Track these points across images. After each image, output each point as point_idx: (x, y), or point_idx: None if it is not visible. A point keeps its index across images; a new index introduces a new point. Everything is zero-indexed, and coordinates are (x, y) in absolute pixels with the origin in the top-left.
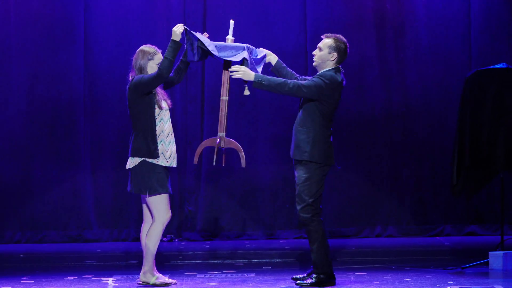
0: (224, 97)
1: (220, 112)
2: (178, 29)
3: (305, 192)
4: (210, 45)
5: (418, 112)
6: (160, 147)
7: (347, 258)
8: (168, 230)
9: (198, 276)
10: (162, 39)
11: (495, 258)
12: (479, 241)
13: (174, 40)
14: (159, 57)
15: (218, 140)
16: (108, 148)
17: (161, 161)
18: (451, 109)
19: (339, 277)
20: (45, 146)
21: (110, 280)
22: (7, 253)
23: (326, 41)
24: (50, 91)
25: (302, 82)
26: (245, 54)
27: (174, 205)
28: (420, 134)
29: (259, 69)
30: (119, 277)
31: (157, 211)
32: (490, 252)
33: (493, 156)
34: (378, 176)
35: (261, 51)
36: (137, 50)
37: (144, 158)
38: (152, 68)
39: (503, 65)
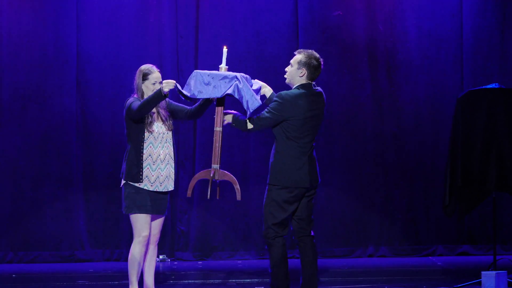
0: (218, 128)
1: (214, 144)
2: (168, 86)
3: (266, 215)
4: (191, 91)
5: (410, 132)
6: (145, 171)
7: (339, 278)
8: (161, 250)
9: None
10: (154, 60)
11: (488, 278)
12: (472, 261)
13: (160, 91)
14: (154, 76)
15: (212, 172)
16: (100, 169)
17: (144, 185)
18: (443, 129)
19: None
20: (37, 167)
21: None
22: None
23: (297, 57)
24: (42, 112)
25: (261, 114)
26: (231, 90)
27: (166, 225)
28: (412, 154)
29: (257, 97)
30: None
31: (134, 230)
32: (482, 272)
33: (485, 176)
34: (370, 196)
35: (257, 83)
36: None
37: (127, 181)
38: (147, 88)
39: (495, 85)
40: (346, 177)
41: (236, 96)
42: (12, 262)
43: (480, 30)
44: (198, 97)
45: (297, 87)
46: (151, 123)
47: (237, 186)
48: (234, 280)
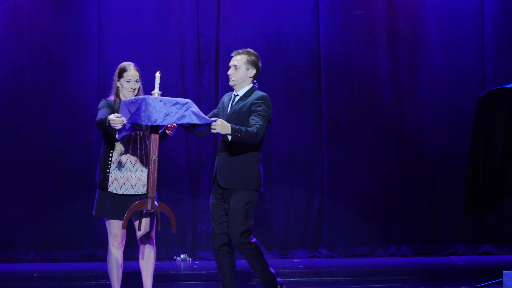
0: (154, 157)
1: (149, 173)
2: (114, 123)
3: (248, 219)
4: (144, 120)
5: (431, 131)
6: (113, 174)
7: (360, 278)
8: (182, 250)
9: None
10: (175, 60)
11: (509, 278)
12: (493, 261)
13: (106, 119)
14: (130, 74)
15: (149, 203)
16: None
17: (112, 189)
18: (464, 128)
19: None
20: (58, 166)
21: None
22: (20, 272)
23: (241, 57)
24: (63, 111)
25: (258, 123)
26: (189, 118)
27: (187, 224)
28: (433, 154)
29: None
30: None
31: (108, 235)
32: (504, 272)
33: (506, 176)
34: (391, 195)
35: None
36: None
37: (98, 186)
38: (122, 86)
39: None
40: (367, 177)
41: (197, 121)
42: (33, 261)
43: (502, 29)
44: (156, 123)
45: (256, 89)
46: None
47: (173, 217)
48: (255, 279)
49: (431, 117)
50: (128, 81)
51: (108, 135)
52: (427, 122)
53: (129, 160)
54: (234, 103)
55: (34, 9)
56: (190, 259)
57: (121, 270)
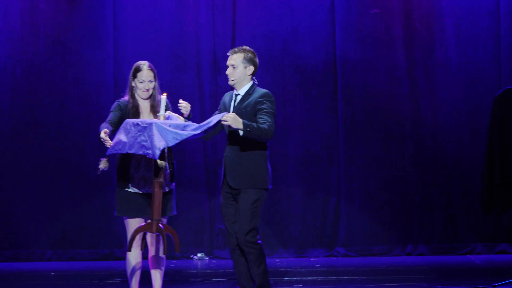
0: (159, 179)
1: (153, 195)
2: (103, 164)
3: (256, 219)
4: (161, 141)
5: (447, 130)
6: (130, 172)
7: (378, 277)
8: (199, 248)
9: None
10: (191, 59)
11: None
12: (510, 260)
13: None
14: (143, 75)
15: (153, 225)
16: None
17: (131, 188)
18: (481, 127)
19: None
20: (75, 165)
21: None
22: (38, 271)
23: (238, 56)
24: (80, 110)
25: (267, 120)
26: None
27: (204, 223)
28: (450, 153)
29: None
30: None
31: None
32: None
33: None
34: (408, 194)
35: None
36: None
37: (117, 185)
38: (136, 86)
39: None
40: (384, 176)
41: (210, 125)
42: (50, 260)
43: None
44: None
45: (256, 85)
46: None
47: (177, 240)
48: (272, 279)
49: (447, 116)
50: (141, 82)
51: None
52: (443, 121)
53: (145, 159)
54: (236, 102)
55: (50, 8)
56: (207, 258)
57: (140, 270)
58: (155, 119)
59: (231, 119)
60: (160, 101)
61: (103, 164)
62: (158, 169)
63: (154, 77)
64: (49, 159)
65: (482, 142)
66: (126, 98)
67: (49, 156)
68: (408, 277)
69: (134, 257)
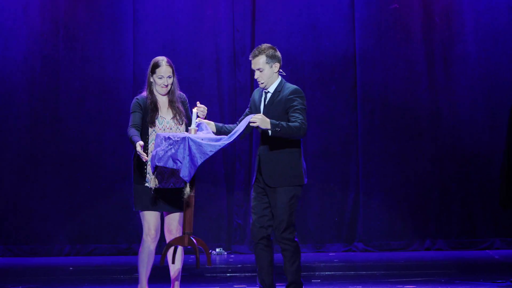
0: (192, 192)
1: (185, 209)
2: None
3: (293, 216)
4: (202, 156)
5: (466, 125)
6: (149, 168)
7: (396, 271)
8: (217, 243)
9: None
10: (210, 54)
11: None
12: None
13: (135, 144)
14: (162, 71)
15: (186, 239)
16: None
17: (149, 183)
18: (500, 122)
19: None
20: (94, 159)
21: None
22: (56, 266)
23: (260, 58)
24: (99, 105)
25: (299, 118)
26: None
27: (222, 218)
28: (469, 148)
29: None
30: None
31: (143, 227)
32: None
33: None
34: (426, 189)
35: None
36: None
37: (133, 181)
38: (155, 82)
39: None
40: (402, 171)
41: (237, 136)
42: (69, 255)
43: None
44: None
45: (287, 82)
46: (154, 117)
47: (208, 253)
48: None
49: (466, 112)
50: (160, 78)
51: (142, 125)
52: (462, 117)
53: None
54: (266, 101)
55: (69, 4)
56: (226, 253)
57: (151, 264)
58: (186, 133)
59: (259, 120)
60: (191, 113)
61: (153, 182)
62: (191, 183)
63: (173, 72)
64: (67, 154)
65: (501, 137)
66: (144, 94)
67: (67, 151)
68: (427, 272)
69: (150, 250)
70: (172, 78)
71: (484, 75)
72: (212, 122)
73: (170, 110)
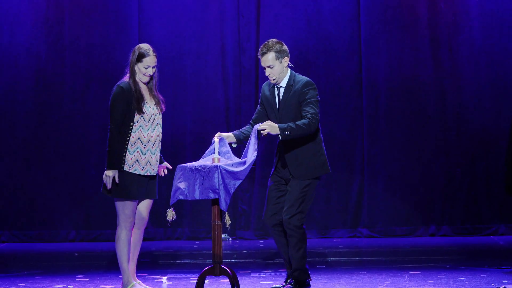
0: (218, 222)
1: (214, 239)
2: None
3: (307, 206)
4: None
5: (471, 111)
6: (135, 154)
7: (401, 257)
8: (222, 229)
9: (252, 274)
10: (215, 40)
11: None
12: None
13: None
14: (149, 60)
15: (217, 269)
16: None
17: (134, 169)
18: (505, 108)
19: (393, 276)
20: (99, 145)
21: (164, 279)
22: (61, 251)
23: (269, 55)
24: (104, 91)
25: (309, 112)
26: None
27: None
28: (474, 134)
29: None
30: (173, 275)
31: (120, 215)
32: None
33: None
34: (432, 175)
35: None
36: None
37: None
38: (139, 70)
39: None
40: (408, 157)
41: (256, 147)
42: (74, 240)
43: None
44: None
45: (297, 74)
46: (141, 104)
47: (237, 280)
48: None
49: (471, 98)
50: (146, 67)
51: (127, 112)
52: (467, 103)
53: (150, 140)
54: (280, 97)
55: None
56: (231, 239)
57: (130, 253)
58: (216, 162)
59: (269, 127)
60: (215, 145)
61: (170, 215)
62: (220, 214)
63: (156, 61)
64: (73, 141)
65: (506, 123)
66: (126, 79)
67: (73, 138)
68: (432, 257)
69: (128, 238)
70: (155, 67)
71: (489, 61)
72: (230, 134)
73: (151, 97)
